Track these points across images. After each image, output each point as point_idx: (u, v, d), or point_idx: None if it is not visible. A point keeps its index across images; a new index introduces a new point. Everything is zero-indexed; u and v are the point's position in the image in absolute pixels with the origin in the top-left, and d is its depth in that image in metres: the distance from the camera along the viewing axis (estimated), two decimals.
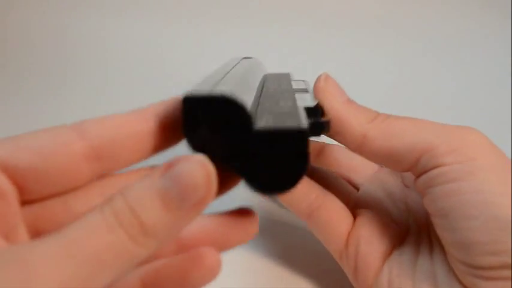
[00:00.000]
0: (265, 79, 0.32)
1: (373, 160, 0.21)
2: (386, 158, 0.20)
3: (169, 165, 0.14)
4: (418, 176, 0.19)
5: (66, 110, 0.42)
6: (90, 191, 0.16)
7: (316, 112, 0.19)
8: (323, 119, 0.19)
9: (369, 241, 0.22)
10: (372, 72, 0.48)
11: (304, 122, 0.16)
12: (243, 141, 0.16)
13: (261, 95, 0.23)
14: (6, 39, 0.52)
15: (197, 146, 0.16)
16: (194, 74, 0.46)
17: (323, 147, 0.27)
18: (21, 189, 0.15)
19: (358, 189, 0.26)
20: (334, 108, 0.20)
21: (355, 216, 0.23)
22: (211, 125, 0.16)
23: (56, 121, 0.41)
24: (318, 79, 0.21)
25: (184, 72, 0.47)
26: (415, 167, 0.19)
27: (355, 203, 0.25)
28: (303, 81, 0.29)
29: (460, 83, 0.47)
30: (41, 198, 0.15)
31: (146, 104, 0.44)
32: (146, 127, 0.16)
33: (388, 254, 0.21)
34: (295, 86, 0.26)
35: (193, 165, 0.14)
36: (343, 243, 0.22)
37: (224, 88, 0.17)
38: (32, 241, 0.12)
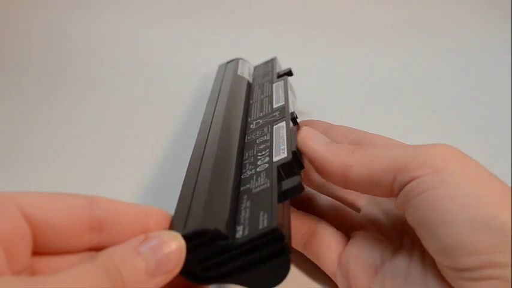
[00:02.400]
0: (252, 84, 0.34)
1: (357, 189, 0.22)
2: (367, 184, 0.21)
3: (149, 237, 0.17)
4: (396, 196, 0.20)
5: (64, 109, 0.42)
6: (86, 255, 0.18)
7: (291, 166, 0.22)
8: (294, 182, 0.21)
9: (357, 258, 0.23)
10: (371, 72, 0.48)
11: (275, 215, 0.18)
12: (227, 259, 0.18)
13: (246, 124, 0.28)
14: (5, 39, 0.52)
15: (191, 273, 0.18)
16: (192, 73, 0.46)
17: None
18: (33, 238, 0.17)
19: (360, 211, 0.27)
20: (316, 150, 0.23)
21: (350, 238, 0.24)
22: (197, 254, 0.18)
23: (54, 121, 0.41)
24: (300, 130, 0.24)
25: (183, 72, 0.47)
26: (393, 189, 0.20)
27: (353, 225, 0.26)
28: (285, 75, 0.33)
29: (460, 83, 0.47)
30: (44, 252, 0.17)
31: (144, 103, 0.44)
32: (145, 222, 0.19)
33: (379, 268, 0.22)
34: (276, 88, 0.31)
35: (168, 238, 0.17)
36: (335, 265, 0.24)
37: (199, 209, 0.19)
38: (41, 275, 0.15)
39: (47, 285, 0.14)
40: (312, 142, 0.23)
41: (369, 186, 0.21)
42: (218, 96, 0.32)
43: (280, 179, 0.22)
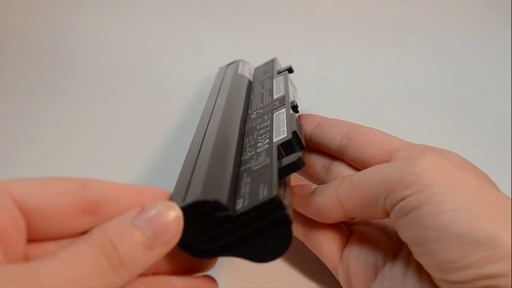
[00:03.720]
0: (253, 82, 0.34)
1: (359, 217, 0.23)
2: (364, 210, 0.21)
3: (145, 208, 0.17)
4: (391, 210, 0.20)
5: (64, 109, 0.42)
6: None
7: (291, 144, 0.22)
8: (295, 157, 0.21)
9: (360, 256, 0.23)
10: (371, 72, 0.48)
11: (274, 185, 0.18)
12: (227, 230, 0.18)
13: (246, 116, 0.28)
14: (5, 39, 0.52)
15: (191, 247, 0.18)
16: (193, 75, 0.46)
17: (330, 164, 0.28)
18: (27, 226, 0.16)
19: None
20: (308, 201, 0.23)
21: (353, 232, 0.24)
22: (197, 226, 0.18)
23: (55, 121, 0.41)
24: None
25: (182, 73, 0.47)
26: (387, 210, 0.20)
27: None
28: (284, 71, 0.33)
29: (460, 83, 0.47)
30: (39, 239, 0.17)
31: (144, 104, 0.44)
32: (141, 202, 0.18)
33: (380, 268, 0.22)
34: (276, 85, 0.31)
35: (164, 209, 0.17)
36: (337, 260, 0.23)
37: (198, 183, 0.19)
38: (35, 261, 0.15)
39: (40, 273, 0.14)
40: (301, 195, 0.23)
41: (366, 211, 0.21)
42: (218, 92, 0.32)
43: (280, 158, 0.21)
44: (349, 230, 0.25)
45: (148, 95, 0.44)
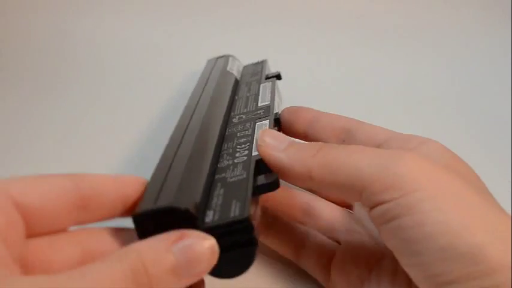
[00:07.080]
0: (240, 81, 0.34)
1: (325, 192, 0.22)
2: (335, 191, 0.20)
3: (181, 237, 0.17)
4: (368, 210, 0.19)
5: (64, 109, 0.42)
6: (70, 236, 0.19)
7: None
8: (271, 178, 0.20)
9: (343, 271, 0.23)
10: (369, 72, 0.48)
11: (247, 205, 0.18)
12: None
13: (229, 118, 0.28)
14: (5, 39, 0.52)
15: None
16: (191, 74, 0.46)
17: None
18: (25, 224, 0.17)
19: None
20: (275, 160, 0.21)
21: (340, 244, 0.25)
22: (164, 231, 0.17)
23: (53, 121, 0.41)
24: (258, 134, 0.23)
25: (181, 73, 0.47)
26: (362, 201, 0.19)
27: (346, 229, 0.25)
28: (273, 77, 0.33)
29: (460, 83, 0.47)
30: (33, 235, 0.18)
31: (142, 104, 0.44)
32: (125, 191, 0.19)
33: (366, 276, 0.22)
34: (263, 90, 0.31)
35: (201, 241, 0.17)
36: (327, 274, 0.24)
37: (169, 192, 0.19)
38: (62, 274, 0.15)
39: (67, 286, 0.14)
40: (270, 149, 0.21)
41: (336, 192, 0.20)
42: (204, 87, 0.32)
43: (257, 174, 0.21)
44: (335, 244, 0.25)
45: (146, 93, 0.44)
